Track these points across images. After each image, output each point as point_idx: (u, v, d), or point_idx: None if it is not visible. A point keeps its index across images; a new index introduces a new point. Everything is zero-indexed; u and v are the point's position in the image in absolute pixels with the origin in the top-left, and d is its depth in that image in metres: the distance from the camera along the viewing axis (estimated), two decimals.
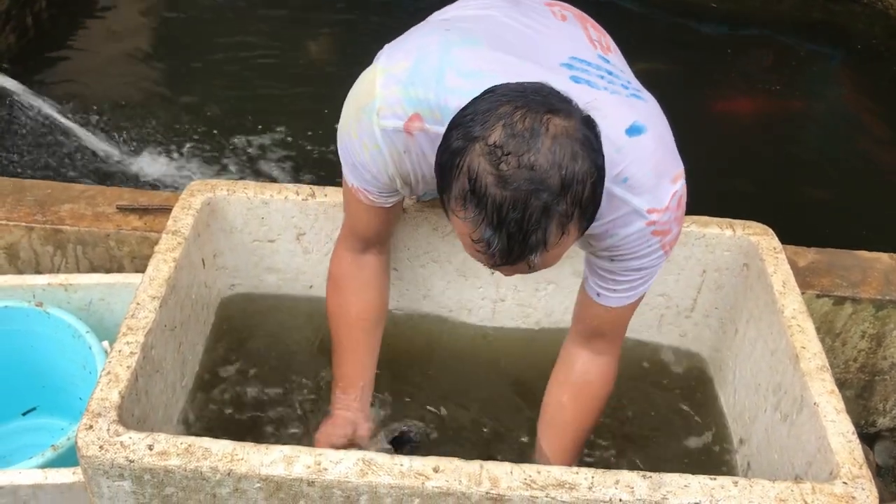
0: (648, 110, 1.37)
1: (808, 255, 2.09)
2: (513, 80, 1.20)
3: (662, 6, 4.12)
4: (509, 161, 1.09)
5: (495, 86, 1.18)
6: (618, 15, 3.81)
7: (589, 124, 1.15)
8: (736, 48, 3.91)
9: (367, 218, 1.55)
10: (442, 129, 1.28)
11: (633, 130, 1.30)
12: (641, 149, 1.30)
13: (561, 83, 1.26)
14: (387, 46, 1.44)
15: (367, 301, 1.64)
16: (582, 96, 1.20)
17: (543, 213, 1.10)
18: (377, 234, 1.59)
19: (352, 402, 1.62)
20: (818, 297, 2.01)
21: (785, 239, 1.85)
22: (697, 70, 3.62)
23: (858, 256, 2.11)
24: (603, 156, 1.16)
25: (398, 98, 1.33)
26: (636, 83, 1.44)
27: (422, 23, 1.53)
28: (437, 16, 1.55)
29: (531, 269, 1.18)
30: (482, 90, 1.19)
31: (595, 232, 1.33)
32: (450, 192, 1.16)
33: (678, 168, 1.36)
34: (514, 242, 1.12)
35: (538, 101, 1.13)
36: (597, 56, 1.42)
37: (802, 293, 1.85)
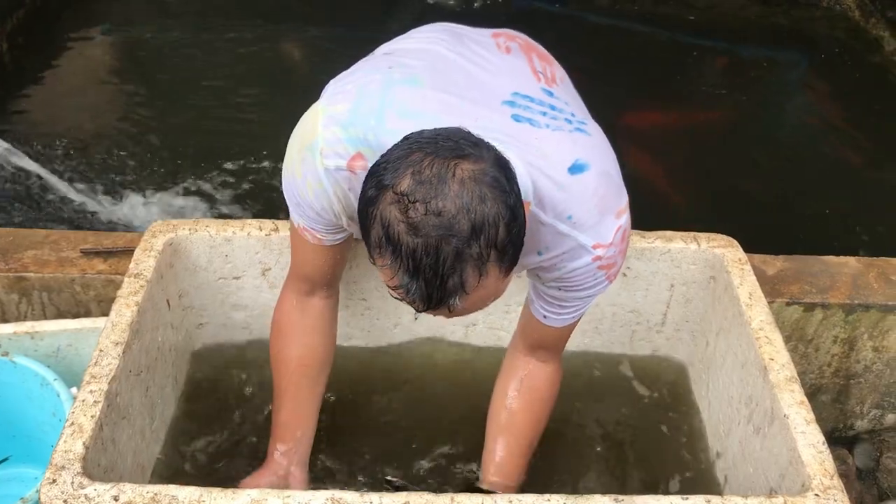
0: (592, 144, 1.37)
1: (777, 263, 2.10)
2: (452, 120, 1.21)
3: (632, 17, 4.15)
4: (417, 208, 1.10)
5: (411, 133, 1.19)
6: (579, 28, 3.85)
7: (501, 165, 1.15)
8: (699, 56, 3.94)
9: (313, 258, 1.53)
10: None
11: (576, 168, 1.31)
12: (584, 187, 1.31)
13: (502, 122, 1.28)
14: (331, 83, 1.44)
15: (310, 347, 1.62)
16: (522, 135, 1.21)
17: (456, 259, 1.11)
18: (323, 274, 1.58)
19: (287, 452, 1.60)
20: (788, 304, 2.01)
21: (753, 247, 1.85)
22: (655, 79, 3.64)
23: (826, 262, 2.12)
24: (516, 195, 1.15)
25: (339, 138, 1.34)
26: (582, 114, 1.44)
27: (367, 57, 1.54)
28: (382, 48, 1.55)
29: (452, 313, 1.17)
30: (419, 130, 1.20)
31: (544, 265, 1.36)
32: (369, 239, 1.17)
33: (622, 202, 1.38)
34: (431, 288, 1.13)
35: (448, 146, 1.14)
36: (540, 90, 1.42)
37: (772, 301, 1.87)
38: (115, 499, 1.26)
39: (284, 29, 3.92)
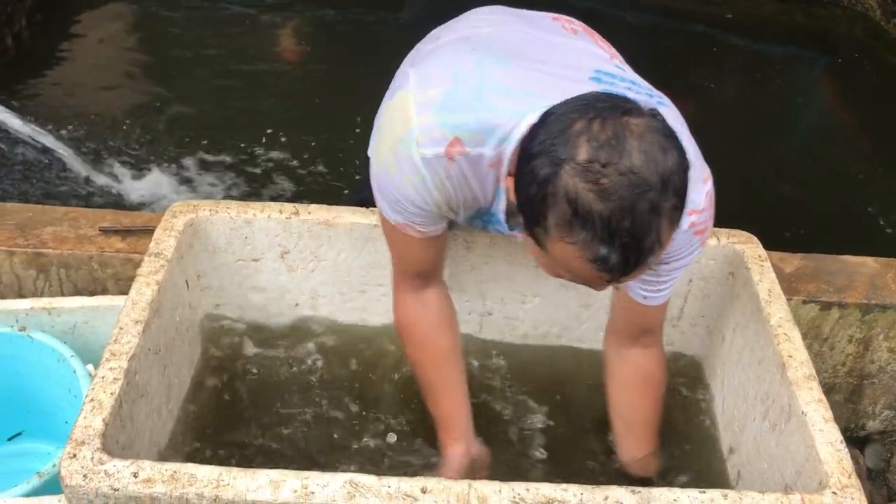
0: (674, 117, 1.37)
1: (794, 261, 2.09)
2: (551, 96, 1.19)
3: (647, 10, 4.13)
4: (607, 172, 1.07)
5: (552, 108, 1.16)
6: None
7: (659, 116, 1.14)
8: (717, 52, 3.92)
9: (419, 252, 1.49)
10: (484, 150, 1.29)
11: None
12: None
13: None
14: (411, 72, 1.40)
15: (446, 337, 1.60)
16: None
17: (653, 214, 1.09)
18: (433, 265, 1.55)
19: (460, 439, 1.57)
20: (805, 303, 2.01)
21: (771, 245, 1.85)
22: (669, 74, 3.62)
23: (844, 261, 2.11)
24: (681, 143, 1.14)
25: (436, 124, 1.30)
26: (655, 90, 1.44)
27: (436, 45, 1.49)
28: (448, 35, 1.51)
29: (650, 269, 1.17)
30: (523, 108, 1.19)
31: None
32: (546, 222, 1.13)
33: (706, 169, 1.39)
34: (629, 251, 1.10)
35: (607, 106, 1.12)
36: (616, 67, 1.43)
37: (789, 299, 1.86)
38: (135, 475, 1.27)
39: (300, 9, 3.91)
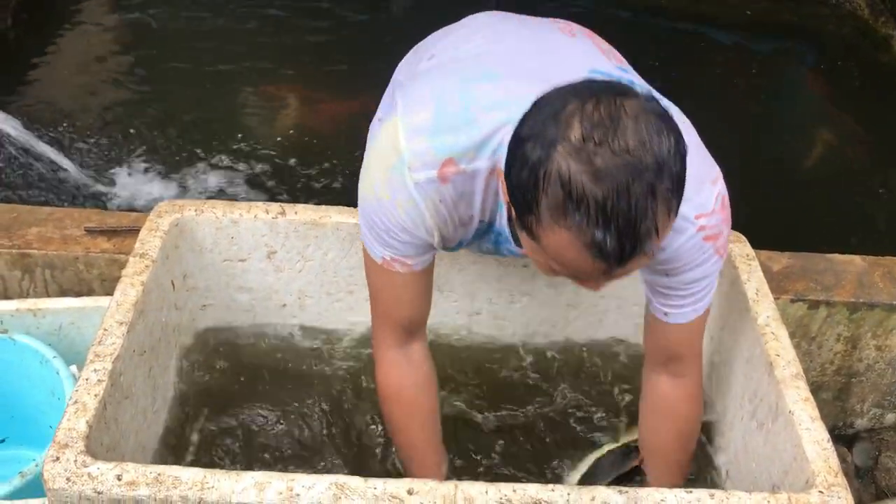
0: (677, 117, 1.33)
1: (782, 260, 2.09)
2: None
3: (634, 6, 4.13)
4: (601, 152, 1.03)
5: (545, 94, 1.13)
6: (579, 17, 3.82)
7: (654, 99, 1.11)
8: (703, 49, 3.92)
9: (407, 293, 1.44)
10: (479, 164, 1.26)
11: None
12: None
13: None
14: (399, 98, 1.37)
15: (431, 399, 1.55)
16: None
17: (650, 196, 1.04)
18: (420, 311, 1.49)
19: None
20: (793, 301, 2.01)
21: (758, 244, 1.85)
22: (656, 70, 3.62)
23: (832, 260, 2.11)
24: (676, 124, 1.11)
25: (426, 147, 1.28)
26: (656, 92, 1.41)
27: (429, 64, 1.48)
28: (443, 54, 1.49)
29: (648, 259, 1.11)
30: (516, 115, 1.15)
31: None
32: (539, 208, 1.08)
33: (715, 170, 1.35)
34: (624, 237, 1.05)
35: (601, 87, 1.09)
36: (615, 68, 1.40)
37: (777, 298, 1.86)
38: (119, 478, 1.26)
39: (289, 4, 3.89)
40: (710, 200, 1.31)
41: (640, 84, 1.37)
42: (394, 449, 1.64)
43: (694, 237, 1.30)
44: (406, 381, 1.52)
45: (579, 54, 1.42)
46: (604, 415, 1.83)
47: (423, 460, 1.54)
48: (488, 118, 1.26)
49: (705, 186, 1.31)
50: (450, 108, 1.30)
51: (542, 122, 1.08)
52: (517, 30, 1.49)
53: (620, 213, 1.04)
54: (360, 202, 1.39)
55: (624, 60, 1.53)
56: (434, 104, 1.31)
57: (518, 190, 1.11)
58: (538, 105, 1.12)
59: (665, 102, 1.36)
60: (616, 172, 1.03)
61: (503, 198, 1.24)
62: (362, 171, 1.39)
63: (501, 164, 1.24)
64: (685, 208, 1.23)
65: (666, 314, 1.43)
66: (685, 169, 1.10)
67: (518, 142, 1.12)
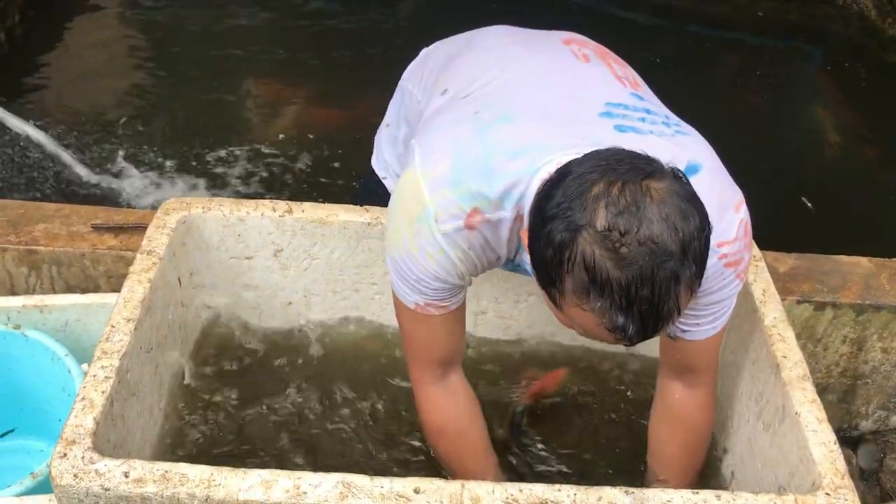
0: (696, 145, 1.34)
1: (789, 261, 2.09)
2: (563, 144, 1.18)
3: (641, 7, 4.13)
4: (626, 241, 1.04)
5: (569, 165, 1.14)
6: (585, 17, 3.82)
7: (680, 177, 1.11)
8: (710, 49, 3.92)
9: (443, 333, 1.44)
10: (504, 214, 1.27)
11: (690, 170, 1.25)
12: (701, 186, 1.22)
13: (606, 136, 1.24)
14: (416, 146, 1.37)
15: (480, 428, 1.55)
16: (632, 145, 1.16)
17: (673, 282, 1.06)
18: (456, 347, 1.49)
19: None
20: (799, 303, 2.01)
21: (765, 245, 1.85)
22: (662, 70, 3.62)
23: (838, 261, 2.11)
24: (703, 204, 1.12)
25: (451, 199, 1.28)
26: (673, 116, 1.41)
27: (441, 101, 1.47)
28: (455, 88, 1.48)
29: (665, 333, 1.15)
30: (534, 164, 1.17)
31: None
32: (562, 287, 1.10)
33: (738, 196, 1.34)
34: (647, 319, 1.08)
35: (626, 168, 1.09)
36: (629, 95, 1.39)
37: (783, 299, 1.86)
38: (126, 475, 1.26)
39: (296, 3, 3.89)
40: (732, 227, 1.31)
41: (655, 115, 1.36)
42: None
43: (716, 265, 1.29)
44: (450, 415, 1.52)
45: (594, 85, 1.41)
46: (613, 416, 1.83)
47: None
48: (509, 168, 1.25)
49: (728, 214, 1.30)
50: (469, 157, 1.29)
51: (567, 202, 1.09)
52: (529, 56, 1.47)
53: (644, 300, 1.07)
54: (388, 253, 1.39)
55: (639, 80, 1.51)
56: (452, 155, 1.30)
57: (542, 264, 1.13)
58: (564, 180, 1.12)
59: (676, 129, 1.36)
60: (641, 260, 1.05)
61: (524, 243, 1.24)
62: (388, 223, 1.39)
63: (525, 212, 1.25)
64: None
65: (683, 332, 1.42)
66: (708, 244, 1.12)
67: (544, 219, 1.12)
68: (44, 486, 1.54)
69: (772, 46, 4.05)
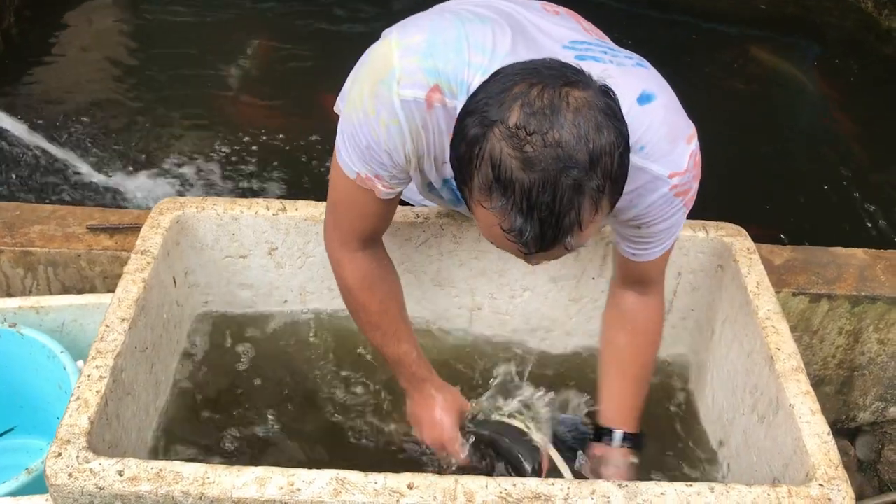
0: (655, 76, 1.37)
1: (784, 253, 2.09)
2: (519, 58, 1.18)
3: (637, 0, 4.12)
4: (533, 141, 1.04)
5: (503, 67, 1.15)
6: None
7: (607, 93, 1.12)
8: (706, 42, 3.92)
9: (372, 210, 1.44)
10: (458, 104, 1.26)
11: (643, 99, 1.29)
12: (654, 116, 1.28)
13: (567, 61, 1.23)
14: (395, 26, 1.39)
15: (394, 288, 1.57)
16: (590, 70, 1.16)
17: (575, 192, 1.06)
18: (384, 225, 1.52)
19: (429, 377, 1.57)
20: (794, 294, 2.01)
21: (760, 237, 1.85)
22: (658, 64, 3.61)
23: (834, 253, 2.11)
24: (626, 124, 1.12)
25: (418, 67, 1.27)
26: (637, 56, 1.43)
27: (424, 11, 1.49)
28: (436, 7, 1.50)
29: (568, 251, 1.14)
30: (491, 67, 1.17)
31: (619, 205, 1.26)
32: (471, 183, 1.11)
33: (690, 128, 1.36)
34: (546, 227, 1.08)
35: (553, 74, 1.10)
36: (595, 39, 1.42)
37: (779, 291, 1.86)
38: (120, 474, 1.26)
39: (297, 12, 3.89)
40: (683, 159, 1.33)
41: (617, 51, 1.39)
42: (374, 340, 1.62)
43: (667, 194, 1.34)
44: (364, 275, 1.52)
45: (561, 28, 1.43)
46: None
47: (410, 349, 1.57)
48: (474, 60, 1.27)
49: (679, 145, 1.32)
50: (444, 37, 1.30)
51: (487, 99, 1.10)
52: (507, 2, 1.50)
53: (544, 205, 1.07)
54: (343, 115, 1.39)
55: (601, 34, 1.53)
56: (429, 30, 1.32)
57: (457, 161, 1.14)
58: (492, 79, 1.14)
59: (638, 62, 1.38)
60: (545, 163, 1.05)
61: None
62: (349, 84, 1.39)
63: None
64: (658, 168, 1.29)
65: (634, 255, 1.48)
66: (624, 165, 1.12)
67: (464, 114, 1.13)
68: (39, 482, 1.55)
69: (768, 39, 4.04)
